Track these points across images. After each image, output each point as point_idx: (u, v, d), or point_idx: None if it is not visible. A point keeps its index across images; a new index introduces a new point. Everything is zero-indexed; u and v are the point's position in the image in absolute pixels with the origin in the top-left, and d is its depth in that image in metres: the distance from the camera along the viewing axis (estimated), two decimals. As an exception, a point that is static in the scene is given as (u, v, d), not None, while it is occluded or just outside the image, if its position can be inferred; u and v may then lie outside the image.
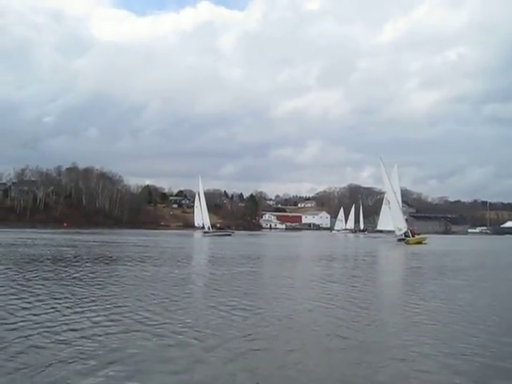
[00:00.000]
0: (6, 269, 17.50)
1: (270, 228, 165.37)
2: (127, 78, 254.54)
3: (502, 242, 69.55)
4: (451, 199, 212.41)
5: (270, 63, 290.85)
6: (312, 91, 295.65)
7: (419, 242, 52.81)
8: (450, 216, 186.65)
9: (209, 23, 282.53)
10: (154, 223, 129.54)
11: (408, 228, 56.20)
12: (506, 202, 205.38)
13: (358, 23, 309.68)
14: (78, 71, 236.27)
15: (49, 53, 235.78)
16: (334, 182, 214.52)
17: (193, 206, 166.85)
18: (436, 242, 58.46)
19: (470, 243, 63.68)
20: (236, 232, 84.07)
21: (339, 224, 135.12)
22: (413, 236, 54.30)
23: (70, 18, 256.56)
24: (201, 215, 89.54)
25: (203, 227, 76.84)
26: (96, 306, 10.42)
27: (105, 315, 9.41)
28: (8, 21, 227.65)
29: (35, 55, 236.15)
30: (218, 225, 79.40)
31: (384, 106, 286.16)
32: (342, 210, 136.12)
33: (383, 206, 67.86)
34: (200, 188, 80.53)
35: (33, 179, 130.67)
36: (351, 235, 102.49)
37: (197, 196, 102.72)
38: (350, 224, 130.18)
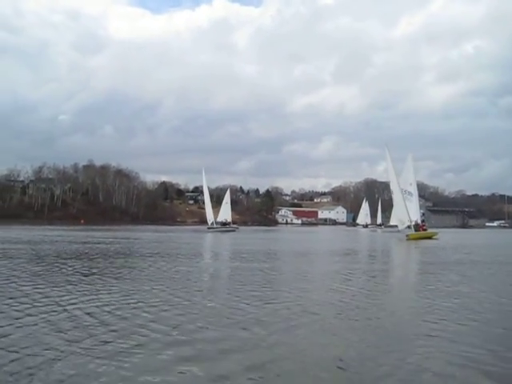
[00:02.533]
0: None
1: (286, 223, 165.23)
2: (142, 76, 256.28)
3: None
4: (468, 193, 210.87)
5: (284, 59, 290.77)
6: (327, 86, 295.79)
7: (428, 237, 49.57)
8: (467, 210, 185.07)
9: (224, 20, 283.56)
10: (170, 219, 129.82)
11: (415, 221, 52.10)
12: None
13: (374, 18, 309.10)
14: (94, 69, 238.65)
15: (66, 51, 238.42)
16: (350, 177, 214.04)
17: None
18: (448, 237, 56.39)
19: (486, 237, 62.39)
20: (248, 227, 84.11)
21: (363, 218, 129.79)
22: (419, 230, 50.68)
23: (87, 16, 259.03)
24: (223, 211, 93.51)
25: (223, 223, 75.43)
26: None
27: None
28: (26, 22, 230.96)
29: (52, 54, 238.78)
30: (223, 220, 77.60)
31: (400, 100, 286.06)
32: (364, 203, 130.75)
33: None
34: (204, 182, 79.93)
35: (50, 177, 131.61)
36: (363, 230, 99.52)
37: (228, 192, 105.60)
38: (362, 219, 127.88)
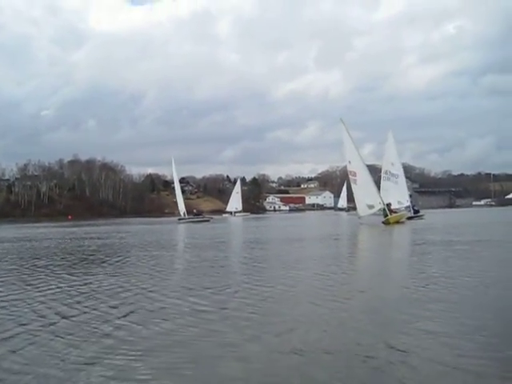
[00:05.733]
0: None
1: (274, 210, 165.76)
2: (125, 68, 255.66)
3: (503, 213, 68.17)
4: (454, 173, 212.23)
5: (267, 46, 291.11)
6: (310, 72, 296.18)
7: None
8: (453, 190, 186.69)
9: (205, 9, 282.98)
10: (158, 211, 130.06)
11: (386, 204, 43.62)
12: (510, 172, 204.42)
13: (354, 2, 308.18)
14: (76, 63, 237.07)
15: (47, 46, 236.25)
16: (336, 162, 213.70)
17: (196, 192, 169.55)
18: (431, 217, 54.28)
19: (473, 216, 62.46)
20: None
21: (341, 202, 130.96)
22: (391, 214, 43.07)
23: (66, 10, 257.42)
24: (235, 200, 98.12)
25: (195, 213, 73.05)
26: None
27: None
28: (5, 17, 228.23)
29: (33, 50, 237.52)
30: (195, 210, 76.48)
31: (383, 83, 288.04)
32: (344, 187, 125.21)
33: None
34: (174, 172, 78.15)
35: (35, 174, 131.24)
36: (344, 214, 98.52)
37: (238, 182, 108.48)
38: (343, 203, 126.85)
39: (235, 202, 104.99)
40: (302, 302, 9.39)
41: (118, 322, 7.90)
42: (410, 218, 49.48)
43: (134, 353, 6.24)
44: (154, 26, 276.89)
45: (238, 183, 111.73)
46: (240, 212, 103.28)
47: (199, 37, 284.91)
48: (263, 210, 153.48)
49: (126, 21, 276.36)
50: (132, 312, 8.64)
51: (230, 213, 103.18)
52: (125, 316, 8.31)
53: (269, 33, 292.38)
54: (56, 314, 8.65)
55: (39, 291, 11.10)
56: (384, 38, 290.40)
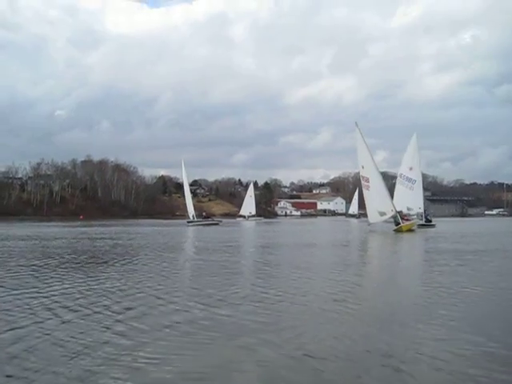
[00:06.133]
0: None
1: (286, 215, 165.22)
2: (140, 70, 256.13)
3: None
4: (467, 182, 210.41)
5: (282, 51, 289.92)
6: (324, 78, 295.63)
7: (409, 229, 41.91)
8: (466, 199, 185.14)
9: (221, 13, 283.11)
10: (169, 213, 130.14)
11: (398, 212, 42.80)
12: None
13: (370, 8, 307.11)
14: (91, 65, 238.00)
15: (63, 48, 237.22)
16: (348, 168, 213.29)
17: (208, 195, 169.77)
18: (442, 226, 53.39)
19: (485, 226, 62.05)
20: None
21: (352, 209, 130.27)
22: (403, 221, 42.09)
23: (83, 11, 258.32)
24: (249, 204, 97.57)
25: (204, 216, 71.25)
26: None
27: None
28: (23, 18, 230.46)
29: (50, 50, 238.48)
30: (204, 213, 75.70)
31: (397, 90, 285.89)
32: (356, 194, 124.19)
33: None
34: (183, 174, 76.60)
35: (48, 173, 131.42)
36: (355, 220, 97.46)
37: (251, 186, 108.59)
38: (354, 209, 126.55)
39: (249, 205, 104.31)
40: (312, 307, 9.44)
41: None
42: (421, 226, 48.40)
43: (143, 354, 6.36)
44: (170, 29, 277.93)
45: (251, 187, 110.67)
46: (254, 216, 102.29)
47: (215, 40, 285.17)
48: (274, 215, 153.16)
49: (142, 23, 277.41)
50: (142, 312, 8.75)
51: (244, 217, 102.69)
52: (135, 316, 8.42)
53: (284, 38, 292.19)
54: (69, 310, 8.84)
55: (52, 289, 11.27)
56: (399, 46, 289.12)
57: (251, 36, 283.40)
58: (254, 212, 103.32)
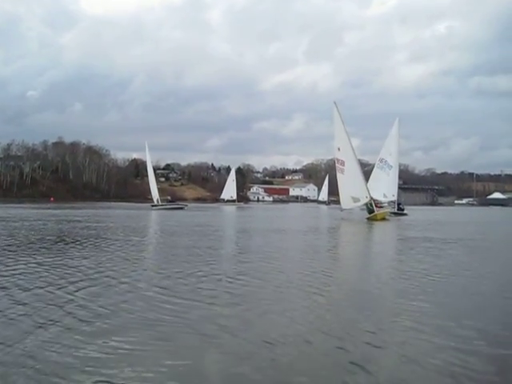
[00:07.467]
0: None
1: (258, 200, 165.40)
2: (114, 52, 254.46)
3: (483, 213, 68.71)
4: (438, 171, 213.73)
5: (258, 37, 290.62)
6: (300, 65, 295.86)
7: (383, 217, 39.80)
8: (437, 188, 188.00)
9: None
10: (141, 196, 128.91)
11: (372, 199, 40.74)
12: (492, 173, 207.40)
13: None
14: (65, 45, 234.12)
15: (36, 27, 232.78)
16: (321, 155, 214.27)
17: (180, 179, 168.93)
18: (415, 214, 52.67)
19: (454, 215, 62.82)
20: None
21: (322, 195, 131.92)
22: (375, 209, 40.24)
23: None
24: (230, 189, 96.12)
25: (168, 200, 72.06)
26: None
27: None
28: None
29: (23, 30, 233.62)
30: (169, 197, 75.14)
31: (372, 79, 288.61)
32: (326, 181, 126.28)
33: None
34: (147, 157, 76.60)
35: (19, 154, 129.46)
36: (325, 207, 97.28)
37: (233, 170, 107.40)
38: (324, 196, 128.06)
39: (230, 190, 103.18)
40: (283, 292, 9.24)
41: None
42: (393, 214, 47.52)
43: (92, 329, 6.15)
44: (146, 11, 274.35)
45: (233, 171, 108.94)
46: (234, 201, 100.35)
47: (191, 24, 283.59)
48: (247, 200, 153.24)
49: (117, 4, 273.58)
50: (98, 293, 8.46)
51: (223, 200, 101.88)
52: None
53: (260, 24, 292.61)
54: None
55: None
56: (375, 35, 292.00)
57: (227, 20, 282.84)
58: (235, 196, 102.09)
